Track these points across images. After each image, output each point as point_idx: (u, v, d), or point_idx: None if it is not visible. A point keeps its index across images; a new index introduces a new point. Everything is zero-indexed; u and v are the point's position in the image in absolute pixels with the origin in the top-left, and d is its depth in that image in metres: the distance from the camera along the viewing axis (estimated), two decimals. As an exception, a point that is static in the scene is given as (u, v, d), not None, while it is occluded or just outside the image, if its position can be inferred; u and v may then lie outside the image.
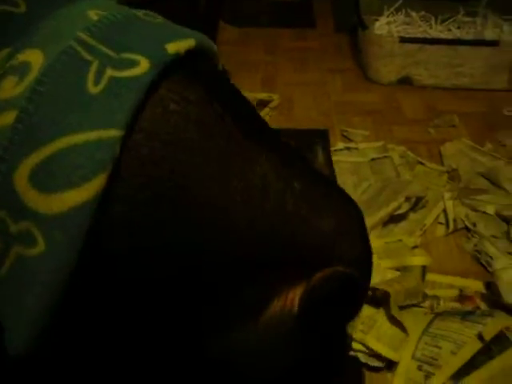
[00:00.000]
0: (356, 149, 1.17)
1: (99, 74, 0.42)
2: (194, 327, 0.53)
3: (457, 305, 0.85)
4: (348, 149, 1.19)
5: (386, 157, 1.14)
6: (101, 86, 0.41)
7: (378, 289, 0.80)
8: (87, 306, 0.46)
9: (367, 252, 0.59)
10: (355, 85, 1.52)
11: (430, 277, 0.88)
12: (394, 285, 0.81)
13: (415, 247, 0.94)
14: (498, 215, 1.00)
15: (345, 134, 1.27)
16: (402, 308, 0.82)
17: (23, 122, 0.41)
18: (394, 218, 0.97)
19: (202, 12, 1.72)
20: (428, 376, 0.74)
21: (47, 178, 0.40)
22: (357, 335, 0.78)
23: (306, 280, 0.51)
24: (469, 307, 0.84)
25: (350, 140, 1.25)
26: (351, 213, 0.58)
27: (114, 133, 0.40)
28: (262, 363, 0.57)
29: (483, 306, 0.84)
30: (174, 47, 0.45)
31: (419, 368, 0.76)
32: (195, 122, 0.45)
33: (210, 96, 0.47)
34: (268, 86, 1.47)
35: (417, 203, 0.98)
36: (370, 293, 0.77)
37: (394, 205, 0.94)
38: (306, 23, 1.92)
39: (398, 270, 0.88)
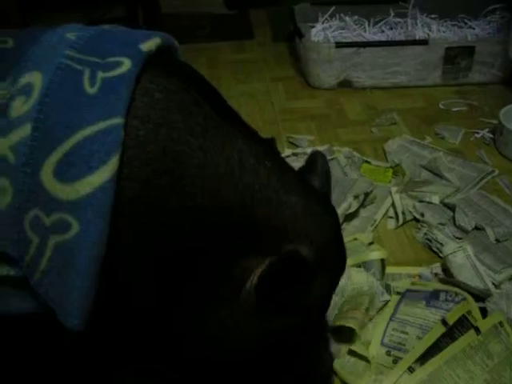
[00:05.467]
0: (303, 154, 1.20)
1: (93, 78, 0.50)
2: (177, 304, 0.57)
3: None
4: (295, 155, 1.23)
5: (332, 159, 1.17)
6: (97, 87, 0.49)
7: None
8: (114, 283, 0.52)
9: (335, 241, 0.63)
10: (298, 92, 1.56)
11: (388, 269, 0.92)
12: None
13: (371, 243, 0.98)
14: (443, 204, 1.05)
15: (291, 140, 1.31)
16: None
17: (39, 129, 0.48)
18: (346, 217, 1.01)
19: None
20: (396, 360, 0.78)
21: (70, 170, 0.47)
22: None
23: (266, 261, 0.56)
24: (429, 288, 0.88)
25: (297, 146, 1.28)
26: (323, 205, 0.63)
27: (118, 120, 0.48)
28: (236, 340, 0.60)
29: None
30: (146, 46, 0.53)
31: (388, 353, 0.79)
32: (178, 107, 0.53)
33: (186, 84, 0.55)
34: (213, 100, 1.49)
35: (365, 199, 1.02)
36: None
37: (344, 206, 0.98)
38: (245, 34, 1.95)
39: (359, 266, 0.91)
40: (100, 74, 0.50)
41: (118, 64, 0.51)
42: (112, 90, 0.49)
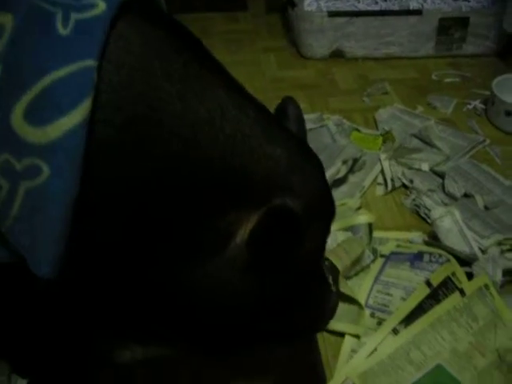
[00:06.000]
0: (293, 121, 1.18)
1: (66, 19, 0.48)
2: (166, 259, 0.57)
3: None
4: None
5: (322, 126, 1.16)
6: (69, 28, 0.48)
7: (328, 258, 0.81)
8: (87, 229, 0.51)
9: (322, 189, 0.63)
10: (289, 62, 1.54)
11: (375, 234, 0.92)
12: (342, 257, 0.82)
13: (359, 208, 0.97)
14: (433, 171, 1.05)
15: (282, 108, 1.29)
16: (349, 278, 0.85)
17: (8, 72, 0.46)
18: (334, 183, 1.00)
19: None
20: (380, 322, 0.78)
21: (41, 113, 0.46)
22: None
23: (255, 216, 0.55)
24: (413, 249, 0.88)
25: (287, 114, 1.26)
26: (307, 154, 0.62)
27: (90, 63, 0.46)
28: (225, 296, 0.60)
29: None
30: None
31: (372, 315, 0.79)
32: (155, 52, 0.51)
33: (165, 31, 0.53)
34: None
35: (354, 165, 1.01)
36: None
37: (332, 170, 0.96)
38: (238, 6, 1.92)
39: (346, 230, 0.90)
40: (73, 16, 0.49)
41: (93, 6, 0.49)
42: (85, 31, 0.48)
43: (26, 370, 0.71)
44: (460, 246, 0.87)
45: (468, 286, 0.79)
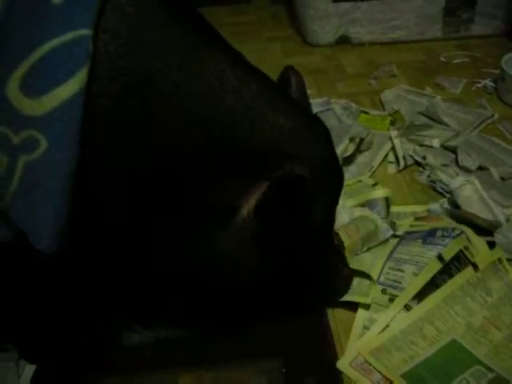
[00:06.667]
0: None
1: None
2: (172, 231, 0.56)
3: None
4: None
5: (328, 109, 1.15)
6: None
7: (337, 233, 0.80)
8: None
9: (330, 157, 0.61)
10: (295, 50, 1.53)
11: (393, 209, 0.90)
12: (352, 234, 0.81)
13: (375, 185, 0.95)
14: (444, 147, 1.03)
15: (288, 94, 1.28)
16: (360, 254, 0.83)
17: (2, 42, 0.46)
18: (343, 162, 0.98)
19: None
20: (392, 299, 0.76)
21: (37, 84, 0.45)
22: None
23: (263, 185, 0.54)
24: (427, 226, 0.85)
25: (294, 99, 1.25)
26: (312, 122, 0.61)
27: (85, 31, 0.46)
28: (233, 270, 0.59)
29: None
30: None
31: (383, 292, 0.77)
32: (151, 22, 0.50)
33: (160, 1, 0.52)
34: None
35: (361, 143, 0.99)
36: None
37: (340, 148, 0.95)
38: (242, -2, 1.92)
39: (363, 206, 0.89)
40: None
41: None
42: (79, 0, 0.47)
43: (33, 356, 0.70)
44: (483, 214, 0.85)
45: (481, 260, 0.77)
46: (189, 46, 0.52)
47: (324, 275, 0.71)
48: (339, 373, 0.67)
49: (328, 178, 0.61)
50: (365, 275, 0.77)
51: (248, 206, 0.55)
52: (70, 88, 0.45)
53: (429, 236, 0.83)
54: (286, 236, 0.59)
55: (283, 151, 0.56)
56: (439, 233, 0.82)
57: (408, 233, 0.86)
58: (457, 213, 0.87)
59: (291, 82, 0.65)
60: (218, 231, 0.56)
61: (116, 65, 0.48)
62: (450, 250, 0.77)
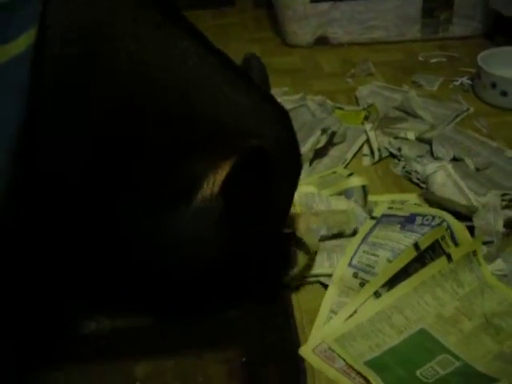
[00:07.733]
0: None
1: None
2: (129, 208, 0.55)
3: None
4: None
5: (302, 106, 1.14)
6: None
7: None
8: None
9: (290, 137, 0.61)
10: (275, 50, 1.53)
11: (370, 198, 0.89)
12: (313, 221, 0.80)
13: (350, 175, 0.94)
14: (419, 139, 1.02)
15: (264, 91, 1.26)
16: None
17: None
18: (316, 155, 0.97)
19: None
20: (363, 284, 0.74)
21: None
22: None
23: (228, 162, 0.54)
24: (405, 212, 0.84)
25: (270, 96, 1.24)
26: (271, 102, 0.60)
27: None
28: (196, 250, 0.58)
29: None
30: None
31: (355, 275, 0.75)
32: None
33: None
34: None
35: (333, 136, 0.98)
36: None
37: (312, 140, 0.94)
38: (225, 1, 1.92)
39: (340, 194, 0.88)
40: None
41: None
42: None
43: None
44: (458, 199, 0.84)
45: (456, 252, 0.75)
46: (148, 21, 0.52)
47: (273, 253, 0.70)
48: (302, 360, 0.65)
49: (288, 159, 0.61)
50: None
51: (212, 183, 0.54)
52: (18, 47, 0.44)
53: (408, 222, 0.81)
54: (247, 215, 0.57)
55: (246, 130, 0.55)
56: (419, 220, 0.80)
57: (386, 215, 0.84)
58: (434, 199, 0.86)
59: (253, 65, 0.66)
60: (179, 208, 0.55)
61: (69, 28, 0.47)
62: (426, 240, 0.75)
